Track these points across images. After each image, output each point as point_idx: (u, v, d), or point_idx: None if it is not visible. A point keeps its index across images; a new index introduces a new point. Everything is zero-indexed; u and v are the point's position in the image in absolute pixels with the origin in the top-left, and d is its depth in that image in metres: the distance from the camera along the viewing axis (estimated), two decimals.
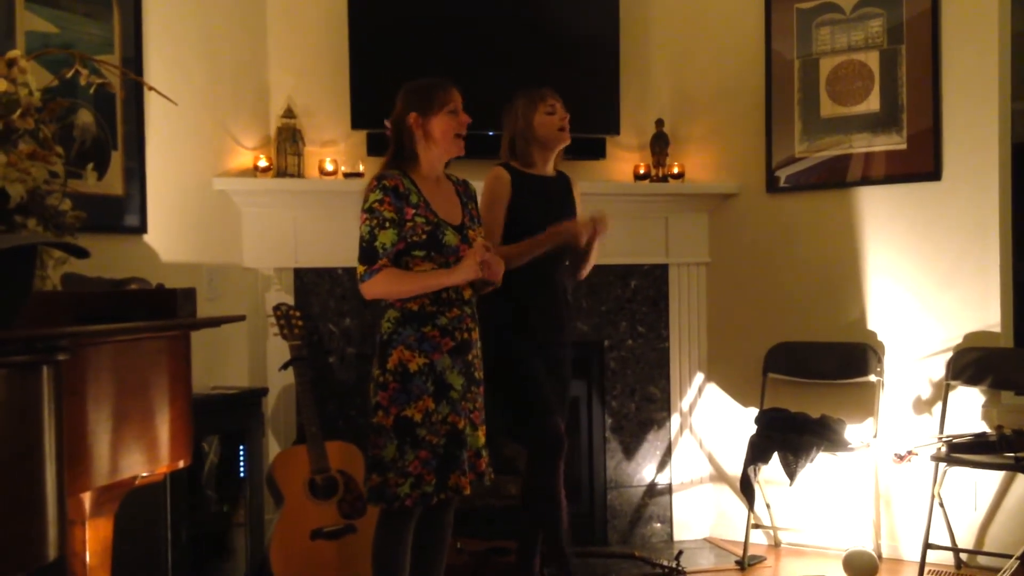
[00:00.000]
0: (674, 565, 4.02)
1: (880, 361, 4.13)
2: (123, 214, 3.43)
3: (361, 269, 2.79)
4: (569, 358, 3.49)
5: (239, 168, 4.01)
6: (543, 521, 3.31)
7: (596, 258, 3.47)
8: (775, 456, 3.91)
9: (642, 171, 4.47)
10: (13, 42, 2.95)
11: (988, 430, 3.77)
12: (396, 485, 2.75)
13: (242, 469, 3.66)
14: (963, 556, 3.92)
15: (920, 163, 4.06)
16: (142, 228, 3.50)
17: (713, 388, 4.57)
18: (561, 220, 3.41)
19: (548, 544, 3.35)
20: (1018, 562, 3.62)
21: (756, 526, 4.25)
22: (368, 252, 2.77)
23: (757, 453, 3.97)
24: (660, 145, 4.48)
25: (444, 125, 2.85)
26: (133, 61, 3.45)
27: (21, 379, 1.62)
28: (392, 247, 2.76)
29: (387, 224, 2.76)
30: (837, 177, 4.25)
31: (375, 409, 2.81)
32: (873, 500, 4.13)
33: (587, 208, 3.52)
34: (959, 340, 4.00)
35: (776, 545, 4.38)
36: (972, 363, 3.89)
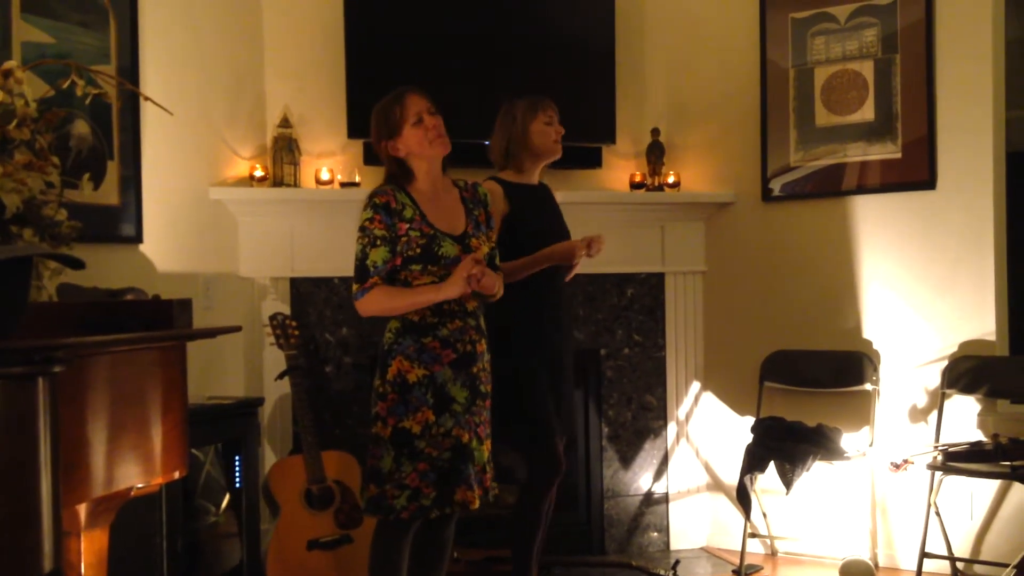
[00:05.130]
0: (671, 574, 4.02)
1: (876, 370, 4.13)
2: (119, 224, 3.42)
3: (355, 288, 2.79)
4: (571, 367, 3.45)
5: (235, 177, 4.01)
6: (522, 536, 3.30)
7: (578, 269, 3.47)
8: (771, 465, 3.91)
9: (638, 180, 4.48)
10: (9, 53, 2.95)
11: (984, 439, 3.77)
12: (393, 497, 2.74)
13: (238, 479, 3.65)
14: (959, 565, 3.92)
15: (915, 172, 4.08)
16: (138, 238, 3.50)
17: (709, 397, 4.57)
18: (556, 227, 3.41)
19: (513, 562, 3.34)
20: (1015, 571, 3.63)
21: (753, 535, 4.25)
22: (360, 270, 2.78)
23: (753, 462, 3.97)
24: (656, 154, 4.48)
25: (414, 139, 2.82)
26: (129, 71, 3.46)
27: (17, 390, 1.62)
28: (384, 265, 2.76)
29: (378, 242, 2.76)
30: (832, 186, 4.26)
31: (374, 419, 2.80)
32: (869, 509, 4.13)
33: (571, 217, 3.50)
34: (954, 348, 4.01)
35: (773, 554, 4.37)
36: (968, 371, 3.90)
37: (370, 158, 4.08)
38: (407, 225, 2.78)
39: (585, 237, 3.33)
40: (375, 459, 2.78)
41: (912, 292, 4.11)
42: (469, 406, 2.83)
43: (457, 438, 2.79)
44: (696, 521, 4.55)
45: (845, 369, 4.18)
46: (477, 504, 2.81)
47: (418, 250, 2.76)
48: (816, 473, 3.97)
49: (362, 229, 2.79)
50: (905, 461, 3.77)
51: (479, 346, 2.87)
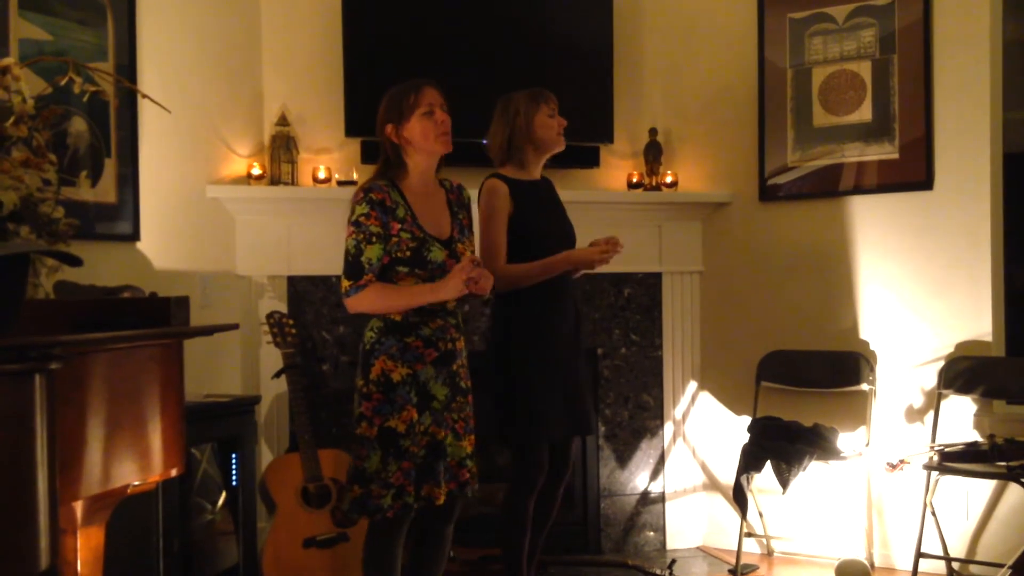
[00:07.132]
0: (667, 574, 4.02)
1: (872, 370, 4.14)
2: (116, 221, 3.42)
3: (346, 284, 2.75)
4: (584, 369, 3.41)
5: (233, 175, 4.01)
6: (507, 540, 3.29)
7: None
8: (768, 464, 3.91)
9: (635, 180, 4.48)
10: (7, 50, 2.95)
11: (980, 439, 3.77)
12: (379, 497, 2.72)
13: (234, 477, 3.65)
14: (955, 565, 3.92)
15: (912, 172, 4.08)
16: (135, 236, 3.50)
17: (706, 396, 4.57)
18: (560, 225, 3.39)
19: (504, 562, 3.33)
20: (1010, 571, 3.63)
21: (749, 535, 4.25)
22: (353, 267, 2.74)
23: (750, 461, 3.97)
24: (653, 154, 4.49)
25: (419, 129, 2.80)
26: (127, 68, 3.46)
27: (14, 387, 1.62)
28: (378, 262, 2.74)
29: (373, 239, 2.73)
30: (830, 186, 4.27)
31: (358, 420, 2.78)
32: (865, 509, 4.14)
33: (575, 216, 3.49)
34: (951, 349, 4.01)
35: (769, 554, 4.38)
36: (964, 372, 3.90)
37: (368, 156, 4.08)
38: (399, 225, 2.76)
39: (596, 241, 3.25)
40: (360, 459, 2.76)
41: (909, 292, 4.12)
42: (449, 403, 2.82)
43: (433, 435, 2.79)
44: (692, 520, 4.56)
45: (842, 369, 4.18)
46: (442, 500, 2.79)
47: (408, 253, 2.74)
48: (812, 473, 3.97)
49: (356, 224, 2.75)
50: (901, 461, 3.77)
51: (458, 343, 2.88)
